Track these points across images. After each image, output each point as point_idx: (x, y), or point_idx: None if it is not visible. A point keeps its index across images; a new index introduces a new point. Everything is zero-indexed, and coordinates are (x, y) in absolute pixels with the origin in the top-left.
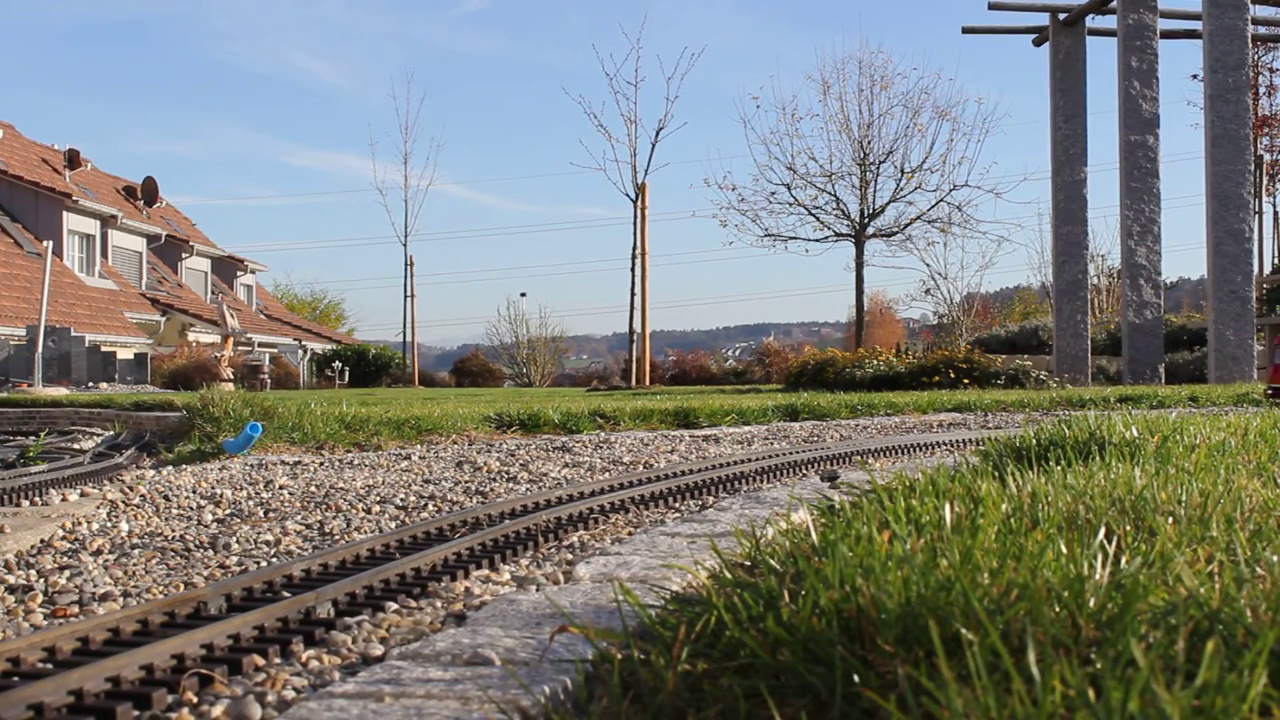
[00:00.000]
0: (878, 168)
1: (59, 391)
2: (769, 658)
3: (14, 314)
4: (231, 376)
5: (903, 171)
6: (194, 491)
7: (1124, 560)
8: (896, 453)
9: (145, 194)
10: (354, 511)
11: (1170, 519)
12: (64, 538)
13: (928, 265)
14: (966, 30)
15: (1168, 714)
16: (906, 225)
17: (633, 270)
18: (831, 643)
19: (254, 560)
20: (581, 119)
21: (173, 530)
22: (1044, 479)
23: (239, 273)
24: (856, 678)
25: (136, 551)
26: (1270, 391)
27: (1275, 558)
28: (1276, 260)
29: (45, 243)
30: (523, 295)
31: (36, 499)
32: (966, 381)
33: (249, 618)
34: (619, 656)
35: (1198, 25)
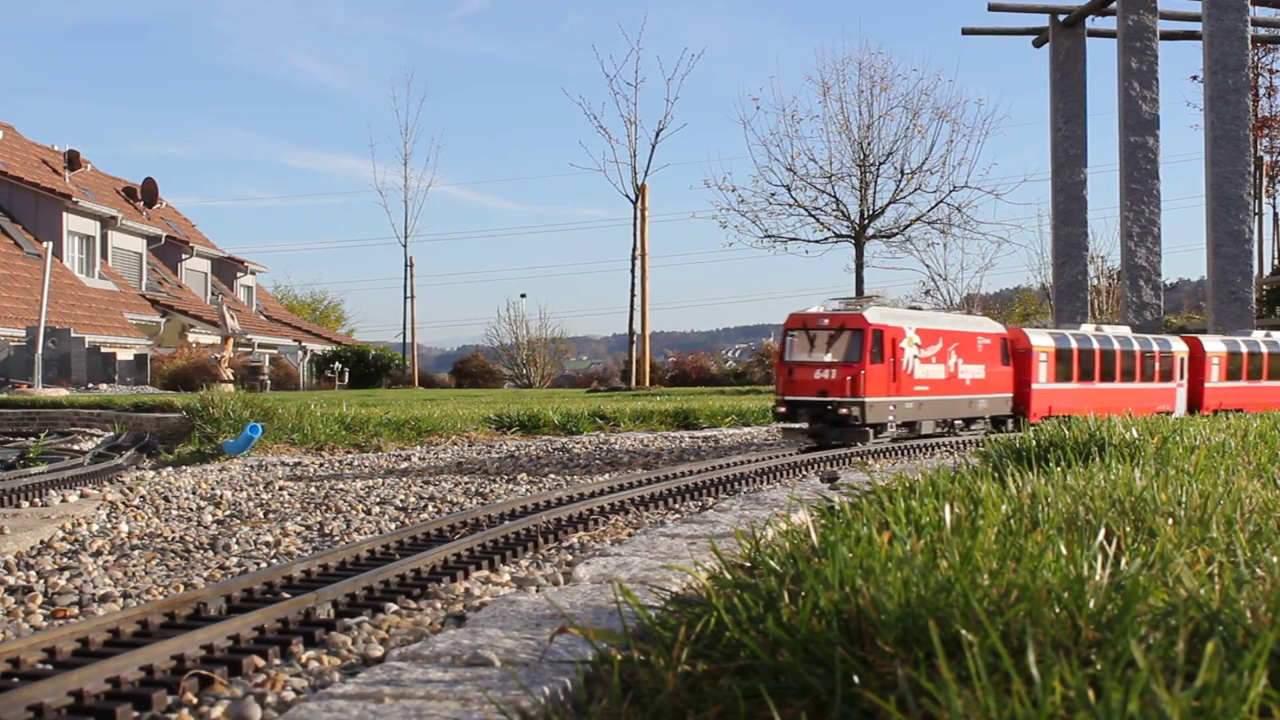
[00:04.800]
0: (877, 169)
1: (59, 393)
2: (769, 659)
3: (14, 315)
4: (231, 377)
5: (902, 173)
6: (194, 492)
7: (1124, 561)
8: (896, 453)
9: (145, 195)
10: (354, 512)
11: (1170, 520)
12: (64, 539)
13: (927, 266)
14: (966, 31)
15: (1168, 715)
16: (906, 226)
17: (633, 271)
18: (831, 644)
19: (254, 561)
20: (581, 120)
21: (172, 531)
22: (1044, 480)
23: (239, 274)
24: (856, 678)
25: (136, 552)
26: (781, 409)
27: (1275, 559)
28: (1276, 262)
29: (45, 244)
30: (523, 296)
31: (36, 500)
32: None
33: (249, 619)
34: (619, 657)
35: (1197, 26)
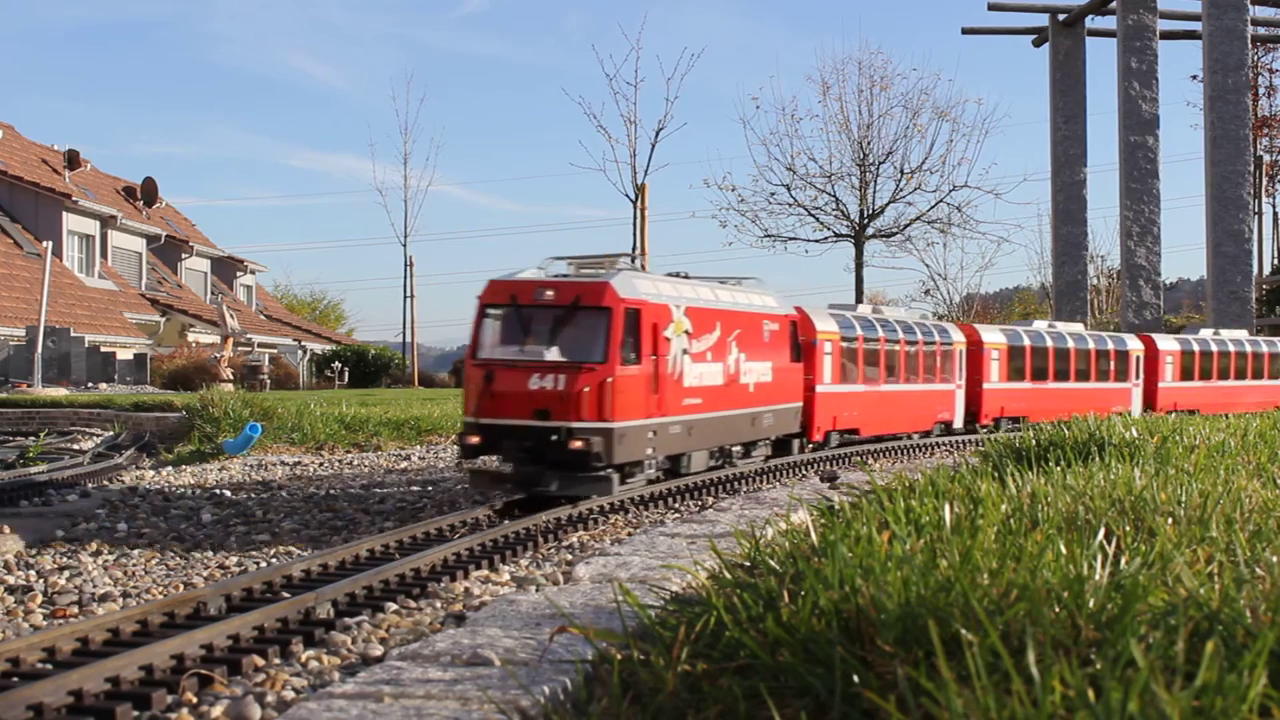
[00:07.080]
0: (877, 168)
1: (59, 392)
2: (769, 658)
3: (14, 314)
4: (231, 377)
5: (902, 172)
6: (194, 492)
7: (1123, 561)
8: (896, 453)
9: (145, 194)
10: (353, 511)
11: (1170, 519)
12: (64, 538)
13: (927, 266)
14: (966, 31)
15: (1167, 714)
16: (906, 226)
17: None
18: (831, 643)
19: (254, 561)
20: (581, 120)
21: (172, 530)
22: (1044, 479)
23: (239, 273)
24: (856, 678)
25: (136, 552)
26: (472, 439)
27: (1275, 559)
28: (1276, 261)
29: (45, 243)
30: None
31: (36, 499)
32: None
33: (248, 618)
34: (619, 657)
35: (1197, 26)
